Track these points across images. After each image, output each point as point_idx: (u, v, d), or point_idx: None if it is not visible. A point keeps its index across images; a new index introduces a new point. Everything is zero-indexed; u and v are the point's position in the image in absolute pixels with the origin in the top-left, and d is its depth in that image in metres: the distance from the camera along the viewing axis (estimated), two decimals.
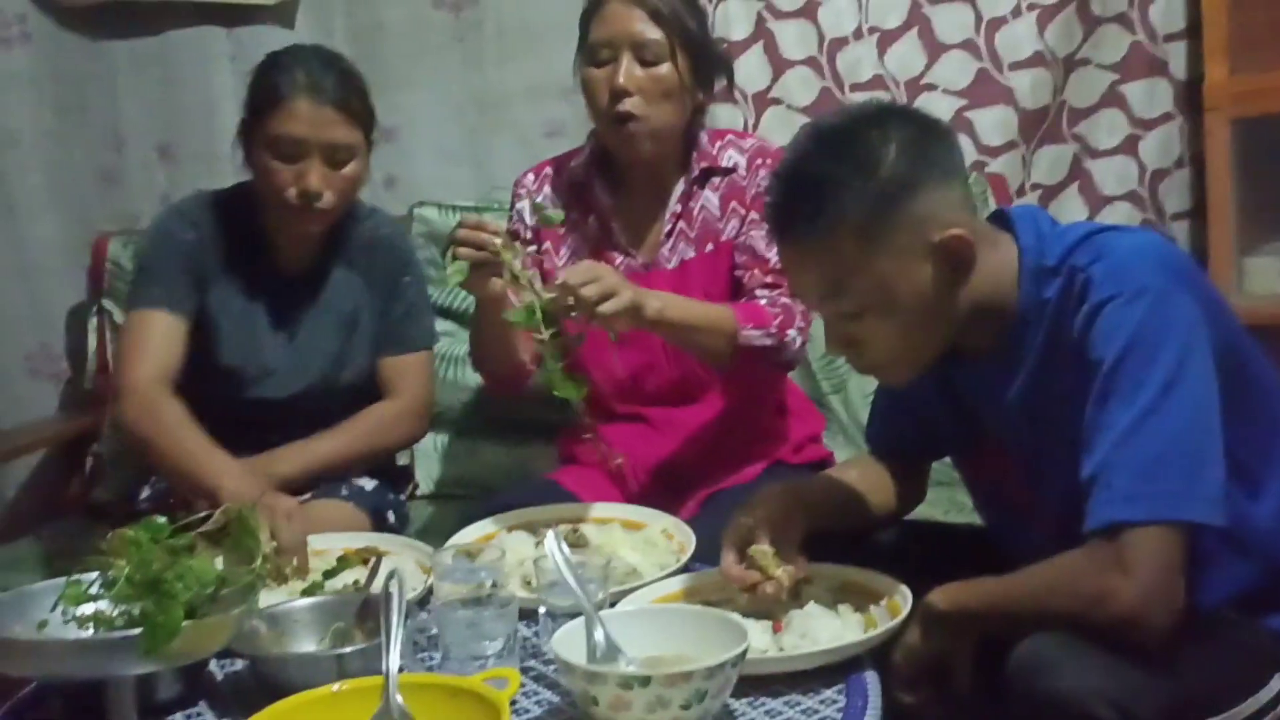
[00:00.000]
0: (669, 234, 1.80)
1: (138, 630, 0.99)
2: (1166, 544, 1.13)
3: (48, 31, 2.39)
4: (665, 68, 1.70)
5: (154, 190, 2.44)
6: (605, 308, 1.48)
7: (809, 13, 2.40)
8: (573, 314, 1.49)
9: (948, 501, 1.94)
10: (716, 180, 1.80)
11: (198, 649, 1.06)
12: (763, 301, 1.72)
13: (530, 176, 1.89)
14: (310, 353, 1.87)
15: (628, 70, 1.69)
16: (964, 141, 2.39)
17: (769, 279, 1.74)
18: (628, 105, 1.69)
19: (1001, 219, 1.33)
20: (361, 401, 1.88)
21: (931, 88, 2.41)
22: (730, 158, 1.80)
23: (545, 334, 1.48)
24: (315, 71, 1.74)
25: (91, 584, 1.08)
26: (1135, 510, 1.13)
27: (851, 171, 1.21)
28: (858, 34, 2.42)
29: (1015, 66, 2.40)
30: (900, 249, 1.22)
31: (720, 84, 1.82)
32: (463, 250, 1.51)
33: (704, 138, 1.82)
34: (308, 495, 1.78)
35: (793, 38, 2.41)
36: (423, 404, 1.92)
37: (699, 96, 1.77)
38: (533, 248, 1.83)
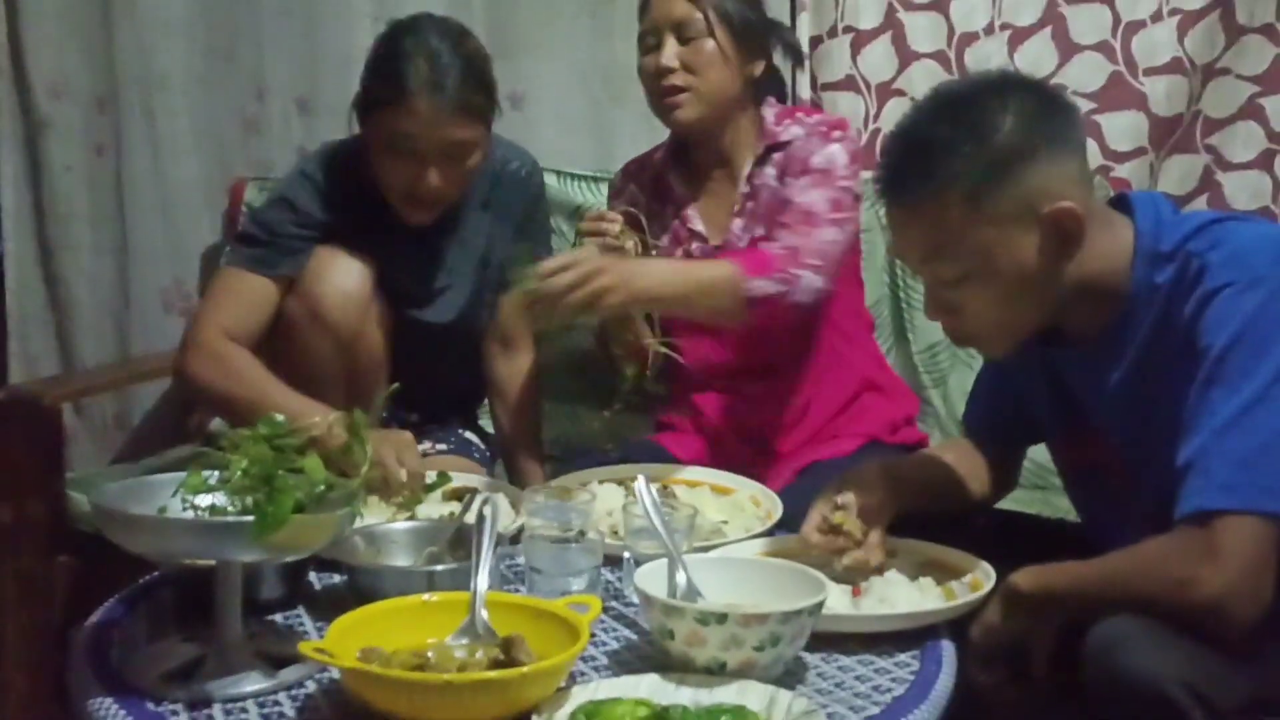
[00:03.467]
0: (739, 213, 1.81)
1: (250, 518, 1.05)
2: (1259, 537, 1.11)
3: None
4: (706, 42, 1.74)
5: (291, 139, 2.54)
6: (571, 299, 1.48)
7: (941, 6, 2.39)
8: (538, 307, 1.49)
9: (1041, 503, 1.92)
10: (777, 156, 1.81)
11: (303, 543, 1.12)
12: (774, 247, 1.69)
13: (619, 176, 1.97)
14: (452, 290, 1.87)
15: (669, 49, 1.74)
16: (1090, 146, 2.35)
17: (785, 219, 1.72)
18: (671, 80, 1.74)
19: (1122, 203, 1.31)
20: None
21: (1061, 89, 2.34)
22: (791, 132, 1.81)
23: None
24: (439, 63, 1.65)
25: (210, 477, 1.15)
26: (1230, 499, 1.12)
27: (965, 136, 1.22)
28: (989, 30, 2.39)
29: (1151, 72, 2.35)
30: (1007, 217, 1.22)
31: (775, 53, 1.84)
32: (588, 237, 1.67)
33: (770, 116, 1.83)
34: (430, 446, 1.85)
35: (923, 30, 2.40)
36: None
37: (748, 69, 1.79)
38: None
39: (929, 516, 1.46)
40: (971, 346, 1.37)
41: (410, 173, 1.69)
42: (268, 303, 1.74)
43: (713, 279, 1.66)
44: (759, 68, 1.81)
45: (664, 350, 1.72)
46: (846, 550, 1.35)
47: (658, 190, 1.89)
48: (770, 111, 1.84)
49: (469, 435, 1.97)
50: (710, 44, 1.74)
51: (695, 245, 1.85)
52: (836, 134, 1.77)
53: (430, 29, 1.71)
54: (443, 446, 1.86)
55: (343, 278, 1.74)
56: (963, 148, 1.21)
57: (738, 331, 1.82)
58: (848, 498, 1.37)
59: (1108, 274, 1.26)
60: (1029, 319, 1.28)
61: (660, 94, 1.76)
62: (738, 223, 1.81)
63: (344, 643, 1.06)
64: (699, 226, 1.84)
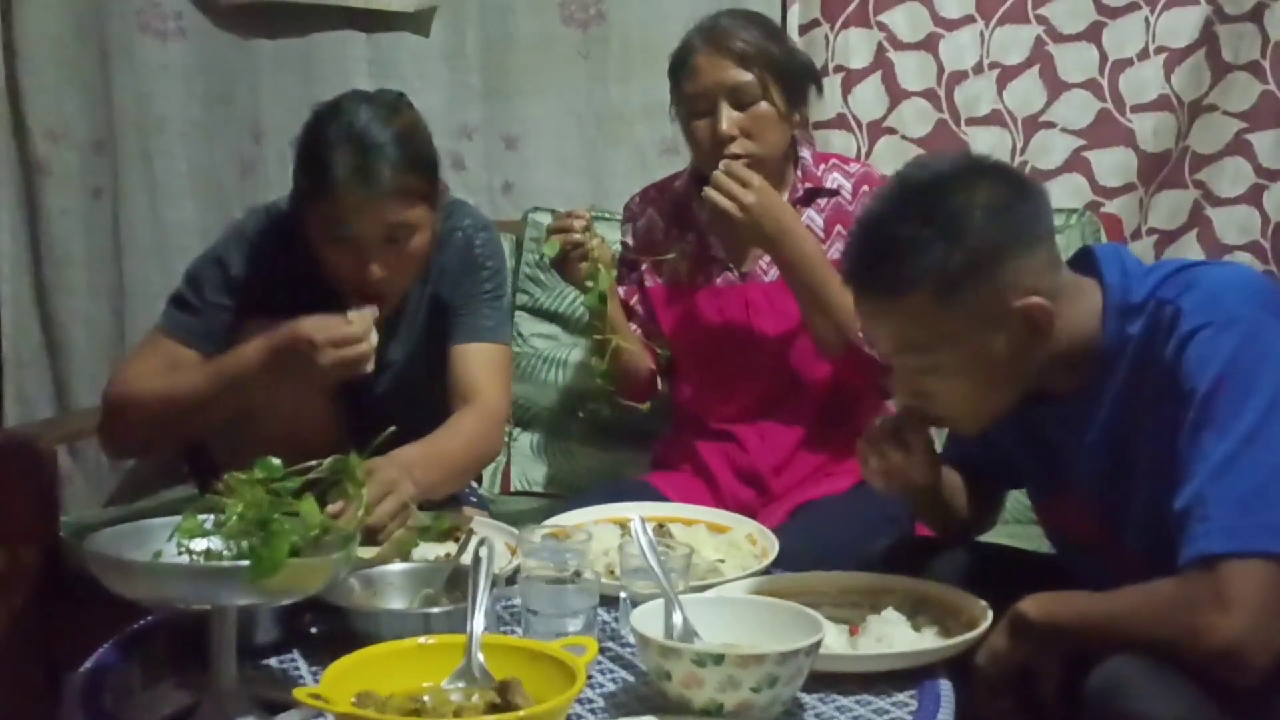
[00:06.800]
0: None
1: (245, 562, 1.05)
2: (1267, 579, 1.11)
3: (202, 28, 2.53)
4: (762, 105, 1.76)
5: (288, 182, 2.49)
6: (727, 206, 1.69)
7: (930, 45, 2.41)
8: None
9: (1039, 539, 1.90)
10: (822, 201, 1.84)
11: (298, 587, 1.12)
12: None
13: (637, 199, 1.98)
14: (390, 363, 1.76)
15: (728, 117, 1.75)
16: (1080, 182, 2.38)
17: None
18: (735, 149, 1.75)
19: (1087, 258, 1.31)
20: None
21: (1050, 125, 2.40)
22: (835, 180, 1.84)
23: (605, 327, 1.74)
24: (366, 145, 1.56)
25: (206, 521, 1.15)
26: (1234, 543, 1.11)
27: (934, 236, 1.20)
28: (978, 69, 2.41)
29: (1138, 109, 2.37)
30: (977, 314, 1.21)
31: (812, 95, 1.87)
32: (554, 233, 1.73)
33: (808, 158, 1.86)
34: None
35: (912, 69, 2.42)
36: (501, 410, 1.73)
37: (795, 119, 1.82)
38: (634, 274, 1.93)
39: (921, 550, 1.45)
40: (945, 426, 1.38)
41: (352, 263, 1.60)
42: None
43: (841, 303, 1.67)
44: (803, 112, 1.84)
45: (615, 344, 1.76)
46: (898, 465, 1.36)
47: (679, 217, 1.90)
48: (807, 152, 1.86)
49: None
50: (766, 107, 1.75)
51: (719, 274, 1.85)
52: None
53: (356, 109, 1.60)
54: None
55: None
56: (933, 247, 1.20)
57: (740, 376, 1.84)
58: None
59: (1081, 339, 1.25)
60: (999, 403, 1.28)
61: (720, 161, 1.76)
62: (765, 257, 1.83)
63: (339, 687, 1.06)
64: (722, 255, 1.85)
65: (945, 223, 1.20)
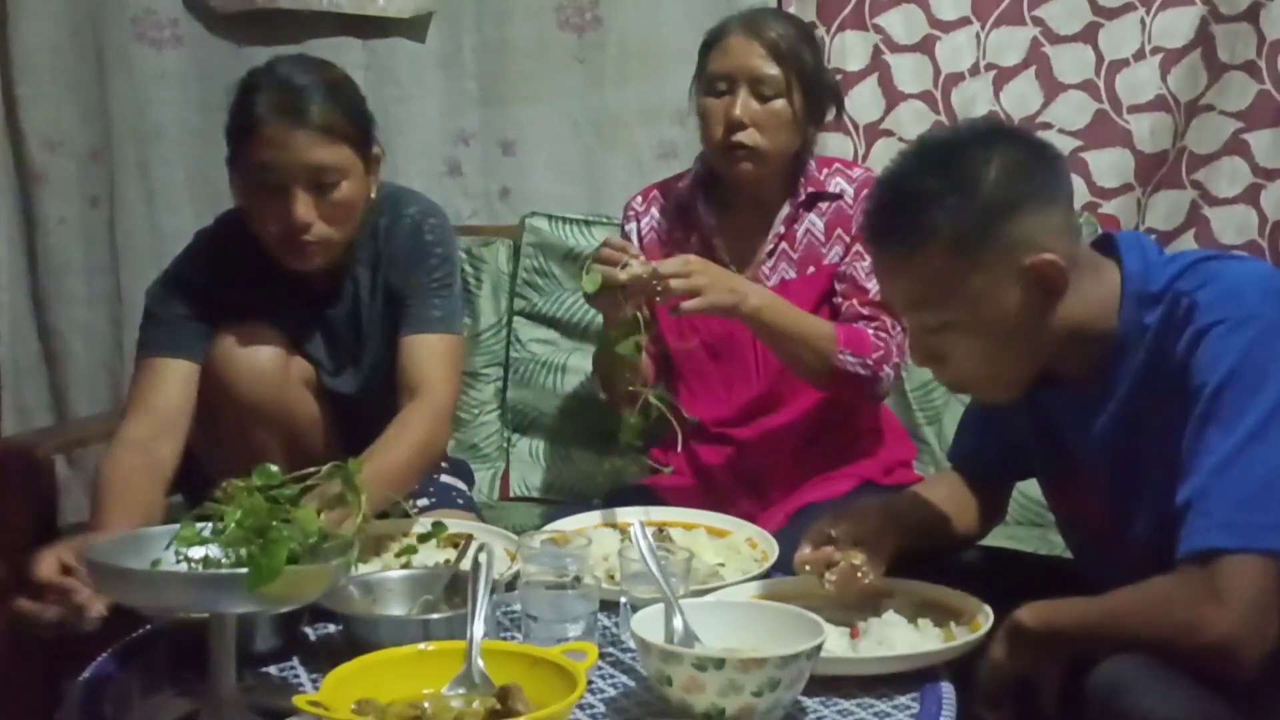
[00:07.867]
0: (770, 253, 1.83)
1: (244, 570, 1.05)
2: (1262, 576, 1.11)
3: (198, 35, 2.53)
4: (780, 103, 1.75)
5: None
6: (689, 305, 1.58)
7: (926, 47, 2.42)
8: (658, 298, 1.58)
9: (1039, 540, 1.92)
10: (823, 205, 1.84)
11: (297, 594, 1.12)
12: (870, 332, 1.74)
13: (639, 199, 1.96)
14: (355, 361, 1.78)
15: (744, 104, 1.74)
16: (1078, 183, 2.37)
17: (866, 310, 1.76)
18: (742, 137, 1.75)
19: (1108, 244, 1.32)
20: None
21: (1047, 126, 2.40)
22: (837, 184, 1.84)
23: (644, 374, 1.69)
24: (291, 90, 1.59)
25: (204, 529, 1.14)
26: (1232, 539, 1.11)
27: (949, 188, 1.22)
28: (974, 70, 2.42)
29: (1135, 109, 2.38)
30: (990, 269, 1.22)
31: (830, 115, 1.87)
32: (602, 266, 1.55)
33: (812, 164, 1.86)
34: (411, 504, 1.72)
35: (908, 71, 2.43)
36: (448, 404, 1.69)
37: (809, 131, 1.82)
38: None
39: (922, 554, 1.46)
40: (962, 393, 1.37)
41: (278, 209, 1.59)
42: (184, 381, 1.66)
43: (813, 331, 1.69)
44: (816, 129, 1.84)
45: (657, 402, 1.61)
46: (834, 565, 1.34)
47: (682, 217, 1.90)
48: (810, 159, 1.86)
49: (445, 479, 1.90)
50: (784, 105, 1.75)
51: None
52: None
53: (283, 63, 1.65)
54: (424, 501, 1.79)
55: (251, 356, 1.67)
56: (947, 199, 1.21)
57: (740, 379, 1.84)
58: (840, 528, 1.37)
59: (1096, 319, 1.26)
60: (1016, 368, 1.28)
61: (726, 147, 1.76)
62: (768, 262, 1.83)
63: (339, 694, 1.05)
64: (725, 258, 1.85)
65: (960, 177, 1.22)
